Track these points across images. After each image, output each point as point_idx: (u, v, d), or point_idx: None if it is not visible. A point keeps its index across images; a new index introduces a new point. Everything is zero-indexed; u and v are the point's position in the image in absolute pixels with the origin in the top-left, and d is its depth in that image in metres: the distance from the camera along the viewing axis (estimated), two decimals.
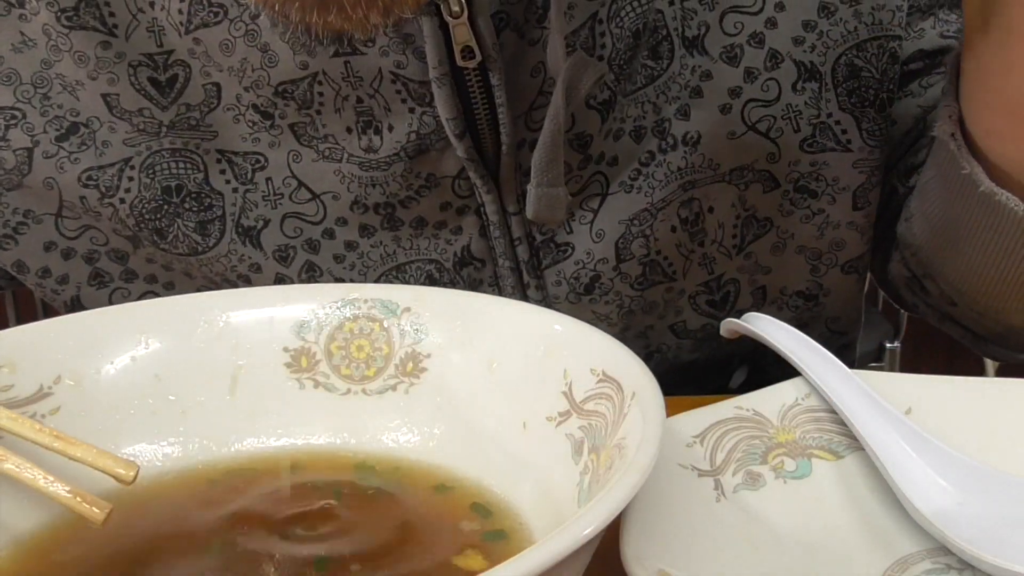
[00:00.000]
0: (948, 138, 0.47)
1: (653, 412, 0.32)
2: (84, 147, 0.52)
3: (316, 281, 0.53)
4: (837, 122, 0.55)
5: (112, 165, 0.52)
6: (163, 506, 0.39)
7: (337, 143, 0.51)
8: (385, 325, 0.44)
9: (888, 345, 1.86)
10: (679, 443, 0.42)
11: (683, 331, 0.60)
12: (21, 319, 2.14)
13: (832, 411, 0.44)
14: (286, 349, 0.44)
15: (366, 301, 0.44)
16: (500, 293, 0.55)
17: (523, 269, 0.55)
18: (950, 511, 0.39)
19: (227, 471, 0.41)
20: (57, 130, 0.52)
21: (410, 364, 0.44)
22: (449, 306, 0.44)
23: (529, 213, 0.51)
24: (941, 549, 0.39)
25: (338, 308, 0.44)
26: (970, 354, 0.63)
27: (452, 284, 0.54)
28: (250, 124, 0.52)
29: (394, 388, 0.44)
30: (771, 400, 0.45)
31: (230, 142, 0.52)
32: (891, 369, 1.77)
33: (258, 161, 0.52)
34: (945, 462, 0.41)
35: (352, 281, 0.53)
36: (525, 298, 0.55)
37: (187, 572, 0.35)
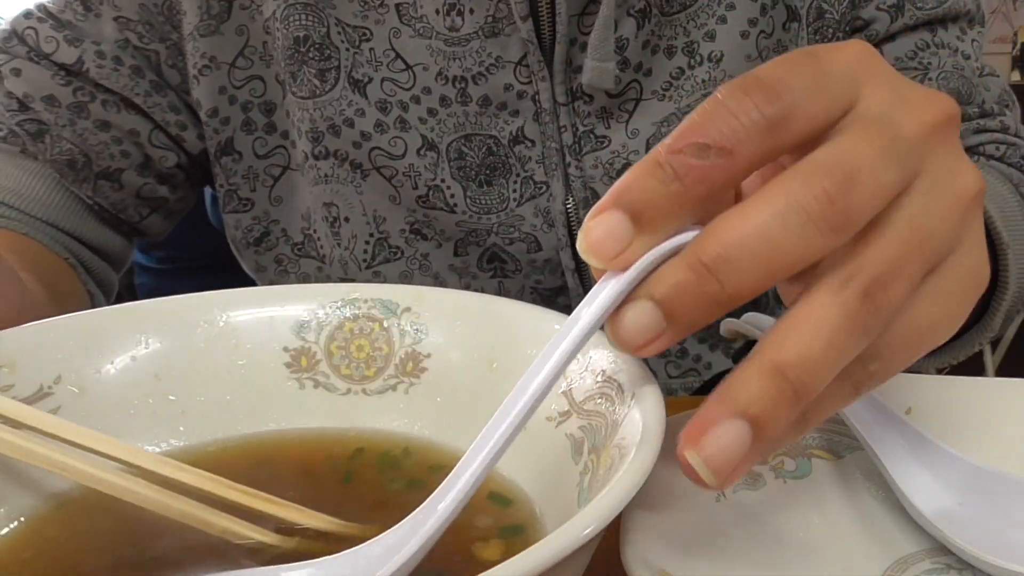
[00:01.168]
0: None
1: (653, 412, 0.32)
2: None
3: (408, 131, 0.65)
4: None
5: (272, 15, 0.66)
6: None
7: (429, 23, 0.64)
8: (385, 325, 0.44)
9: None
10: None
11: None
12: None
13: None
14: (286, 349, 0.44)
15: (366, 301, 0.44)
16: (545, 171, 0.66)
17: (566, 152, 0.66)
18: (950, 511, 0.39)
19: (227, 469, 0.41)
20: None
21: (410, 364, 0.44)
22: (449, 306, 0.44)
23: (584, 80, 0.63)
24: (941, 549, 0.39)
25: (338, 308, 0.44)
26: None
27: (506, 158, 0.66)
28: (361, 4, 0.65)
29: (394, 388, 0.44)
30: None
31: (345, 16, 0.65)
32: None
33: (365, 34, 0.65)
34: (945, 462, 0.41)
35: (433, 140, 0.65)
36: (566, 175, 0.66)
37: (187, 556, 0.35)
